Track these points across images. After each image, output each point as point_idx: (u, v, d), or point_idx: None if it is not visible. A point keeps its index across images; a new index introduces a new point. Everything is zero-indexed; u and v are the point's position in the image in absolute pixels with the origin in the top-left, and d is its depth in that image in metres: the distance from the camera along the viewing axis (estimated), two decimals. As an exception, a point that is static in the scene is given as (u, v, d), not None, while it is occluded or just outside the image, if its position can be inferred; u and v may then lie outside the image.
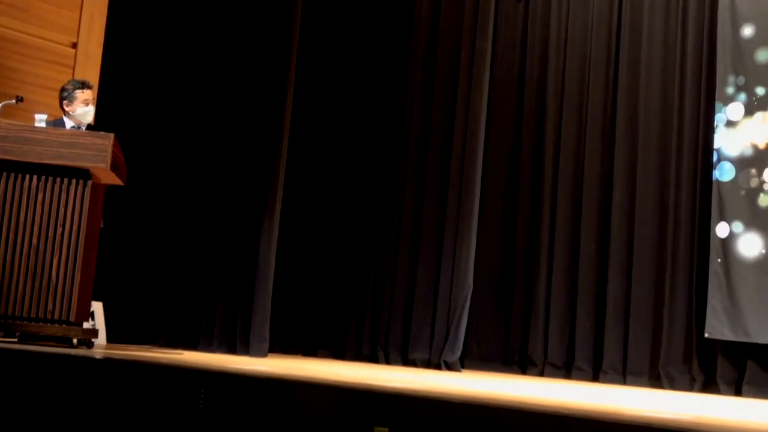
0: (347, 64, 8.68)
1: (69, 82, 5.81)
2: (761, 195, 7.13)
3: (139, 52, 7.91)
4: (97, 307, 6.94)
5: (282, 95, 7.27)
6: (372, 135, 8.47)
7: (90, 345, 5.41)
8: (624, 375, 7.55)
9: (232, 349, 7.03)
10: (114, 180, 5.42)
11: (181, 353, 6.32)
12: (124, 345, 6.80)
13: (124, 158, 5.50)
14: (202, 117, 7.59)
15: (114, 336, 7.11)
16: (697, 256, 7.44)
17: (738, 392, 7.02)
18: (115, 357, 4.90)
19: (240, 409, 4.19)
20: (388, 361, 7.95)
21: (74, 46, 7.23)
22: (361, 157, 8.41)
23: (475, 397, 3.99)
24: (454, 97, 8.05)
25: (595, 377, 7.67)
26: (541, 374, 7.85)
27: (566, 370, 7.84)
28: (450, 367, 7.41)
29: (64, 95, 5.66)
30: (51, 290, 5.05)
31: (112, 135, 5.18)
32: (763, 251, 7.06)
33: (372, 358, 7.94)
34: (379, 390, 3.81)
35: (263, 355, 6.96)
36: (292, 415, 4.04)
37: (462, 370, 7.52)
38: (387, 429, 3.03)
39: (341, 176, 8.49)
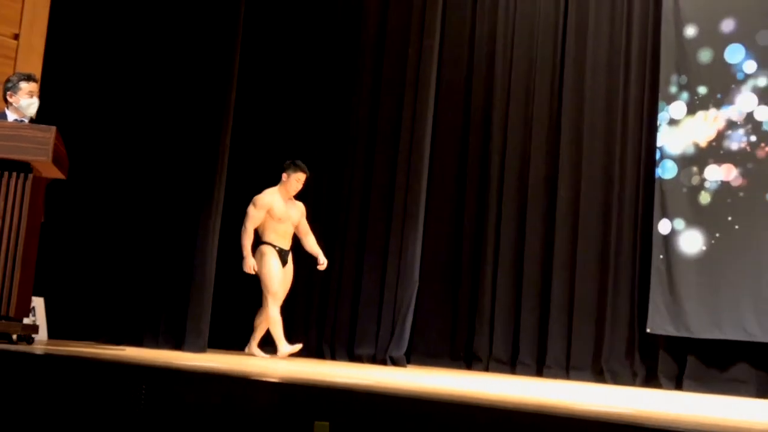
0: (293, 60, 8.65)
1: (14, 74, 5.72)
2: (702, 192, 7.23)
3: (83, 43, 7.78)
4: (38, 302, 6.83)
5: (226, 93, 7.22)
6: (318, 133, 8.46)
7: (30, 341, 5.32)
8: (567, 370, 7.62)
9: (176, 346, 6.96)
10: (56, 174, 5.34)
11: (123, 349, 6.24)
12: (66, 341, 6.70)
13: (66, 151, 5.41)
14: (145, 111, 7.49)
15: (55, 332, 7.00)
16: (639, 252, 7.53)
17: (678, 386, 7.12)
18: (56, 353, 4.82)
19: (182, 405, 4.16)
20: (334, 357, 7.94)
21: (16, 37, 7.10)
22: (307, 157, 8.38)
23: (414, 391, 4.00)
24: (401, 95, 8.06)
25: (539, 372, 7.73)
26: (486, 369, 7.90)
27: (511, 365, 7.89)
28: (395, 362, 7.43)
29: (8, 86, 5.56)
30: (-10, 285, 4.95)
31: (53, 128, 5.10)
32: (704, 248, 7.17)
33: (318, 354, 7.93)
34: (319, 385, 3.80)
35: (204, 350, 6.92)
36: (233, 410, 4.02)
37: (408, 365, 7.54)
38: (327, 424, 3.01)
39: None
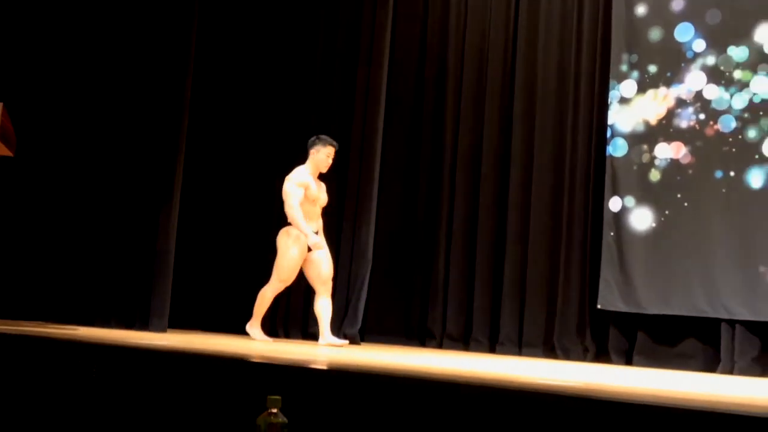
0: (249, 45, 8.59)
1: None
2: (652, 170, 7.31)
3: (34, 16, 7.63)
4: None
5: (182, 79, 7.17)
6: (271, 113, 8.40)
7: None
8: (520, 347, 7.68)
9: (129, 326, 6.91)
10: (2, 151, 5.25)
11: (75, 329, 6.19)
12: (16, 321, 6.61)
13: (14, 128, 5.32)
14: (99, 87, 7.39)
15: (5, 312, 6.91)
16: (590, 230, 7.59)
17: (629, 362, 7.22)
18: (5, 331, 4.77)
19: (135, 383, 4.14)
20: (288, 336, 7.94)
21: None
22: (264, 139, 8.35)
23: (365, 367, 4.01)
24: (353, 74, 8.03)
25: (491, 349, 7.79)
26: (440, 346, 7.95)
27: (464, 342, 7.95)
28: (349, 340, 7.44)
29: None
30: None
31: (0, 103, 5.01)
32: (654, 225, 7.25)
33: (272, 334, 7.90)
34: (272, 361, 3.80)
35: (163, 330, 6.88)
36: (187, 387, 4.01)
37: (362, 343, 7.55)
38: (280, 397, 3.01)
39: (242, 156, 8.41)
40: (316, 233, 6.98)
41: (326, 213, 7.67)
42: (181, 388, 4.00)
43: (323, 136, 7.05)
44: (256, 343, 6.51)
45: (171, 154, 7.16)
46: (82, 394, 4.18)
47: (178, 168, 7.19)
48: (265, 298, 7.00)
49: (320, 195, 7.04)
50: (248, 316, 7.25)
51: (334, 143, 7.03)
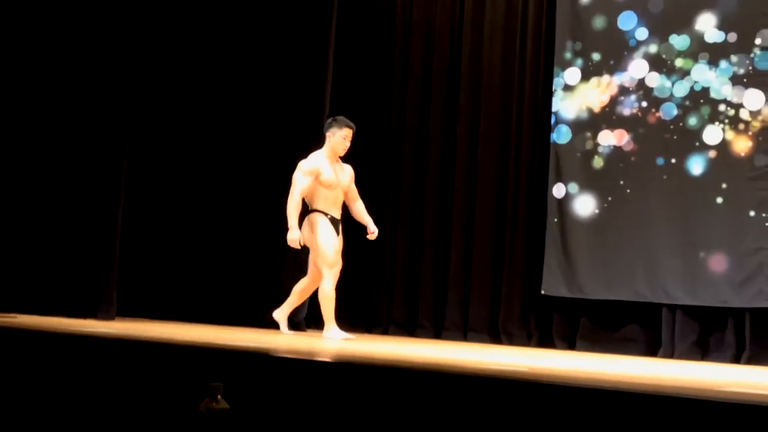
0: (192, 28, 8.45)
1: None
2: (595, 157, 7.37)
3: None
4: None
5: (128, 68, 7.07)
6: (210, 100, 8.26)
7: None
8: (465, 332, 7.71)
9: (86, 315, 6.82)
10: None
11: (15, 317, 6.08)
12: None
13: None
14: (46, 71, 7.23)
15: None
16: (535, 216, 7.63)
17: (572, 347, 7.28)
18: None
19: (79, 370, 4.09)
20: (235, 323, 7.85)
21: None
22: (205, 127, 8.22)
23: (307, 353, 3.99)
24: (299, 60, 7.92)
25: (437, 335, 7.81)
26: (386, 332, 7.94)
27: (410, 328, 7.95)
28: (295, 327, 7.38)
29: None
30: None
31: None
32: (597, 211, 7.31)
33: (217, 321, 7.81)
34: (214, 347, 3.76)
35: (111, 318, 6.79)
36: (130, 374, 3.96)
37: (307, 329, 7.51)
38: (221, 384, 2.98)
39: (191, 143, 8.27)
40: (339, 219, 6.62)
41: (273, 198, 7.62)
42: (124, 376, 3.96)
43: (339, 118, 6.68)
44: (200, 330, 6.42)
45: (118, 144, 7.05)
46: (25, 382, 4.11)
47: (124, 157, 7.07)
48: (327, 295, 6.51)
49: (340, 179, 6.64)
50: (198, 302, 7.16)
51: (351, 125, 6.65)
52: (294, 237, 6.42)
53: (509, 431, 3.18)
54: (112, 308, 6.91)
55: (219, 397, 3.02)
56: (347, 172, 6.75)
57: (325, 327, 6.56)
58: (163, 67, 8.02)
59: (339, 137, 6.60)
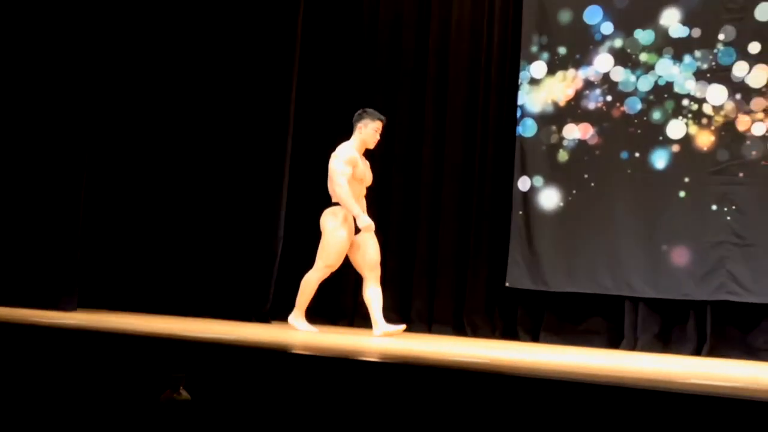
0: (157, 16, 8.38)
1: None
2: (560, 151, 7.40)
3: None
4: None
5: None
6: (179, 90, 8.21)
7: None
8: (429, 324, 7.72)
9: (48, 306, 6.74)
10: None
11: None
12: None
13: None
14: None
15: None
16: (500, 209, 7.65)
17: (535, 339, 7.32)
18: None
19: (39, 362, 4.04)
20: (197, 315, 7.80)
21: None
22: (171, 109, 8.16)
23: (271, 344, 3.97)
24: (265, 52, 7.88)
25: (406, 319, 7.81)
26: (351, 324, 7.93)
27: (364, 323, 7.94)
28: (259, 318, 7.36)
29: None
30: None
31: None
32: (561, 204, 7.34)
33: (182, 312, 7.76)
34: (175, 338, 3.74)
35: (72, 309, 6.72)
36: (91, 365, 3.93)
37: (271, 322, 7.48)
38: (183, 375, 2.96)
39: (155, 132, 8.20)
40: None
41: (235, 190, 7.58)
42: (85, 367, 3.92)
43: (370, 110, 6.53)
44: (162, 322, 6.38)
45: (81, 134, 6.96)
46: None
47: (86, 148, 7.00)
48: (309, 285, 6.42)
49: (366, 173, 6.50)
50: (159, 294, 7.11)
51: (382, 117, 6.51)
52: (367, 222, 6.26)
53: (471, 423, 3.18)
54: (73, 299, 6.83)
55: (181, 388, 3.00)
56: (368, 166, 6.60)
57: (294, 312, 6.50)
58: (131, 51, 7.94)
59: (371, 129, 6.44)
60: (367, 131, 6.44)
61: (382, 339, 6.19)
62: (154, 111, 7.90)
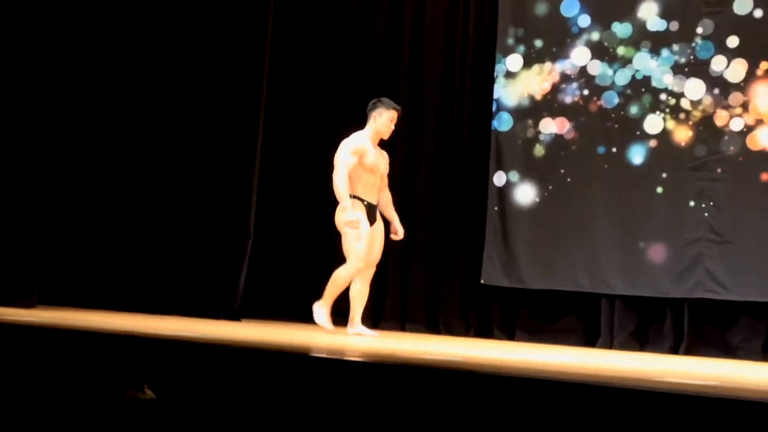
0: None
1: None
2: (536, 145, 7.42)
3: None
4: None
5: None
6: (142, 87, 8.15)
7: None
8: (403, 322, 7.72)
9: (5, 303, 6.69)
10: None
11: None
12: None
13: None
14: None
15: None
16: (475, 204, 7.66)
17: (511, 337, 7.34)
18: None
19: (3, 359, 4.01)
20: (165, 313, 7.76)
21: None
22: (133, 102, 8.09)
23: (240, 342, 3.96)
24: (236, 44, 7.83)
25: (375, 325, 7.79)
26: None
27: (347, 318, 7.91)
28: (228, 316, 7.33)
29: None
30: None
31: None
32: (537, 200, 7.36)
33: (150, 310, 7.72)
34: (140, 336, 3.71)
35: (31, 306, 6.66)
36: (56, 364, 3.90)
37: (241, 320, 7.45)
38: (148, 374, 2.94)
39: (119, 125, 8.15)
40: (376, 205, 6.34)
41: (203, 186, 7.54)
42: (49, 365, 3.89)
43: (385, 99, 6.42)
44: (128, 320, 6.33)
45: (40, 131, 6.93)
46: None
47: (46, 144, 6.96)
48: (341, 280, 6.24)
49: (380, 163, 6.37)
50: (127, 292, 7.05)
51: (398, 107, 6.41)
52: (352, 218, 6.10)
53: (444, 422, 3.18)
54: (33, 296, 6.78)
55: (145, 387, 2.99)
56: (385, 157, 6.48)
57: (320, 302, 6.36)
58: (95, 44, 7.87)
59: (386, 119, 6.32)
60: (382, 120, 6.32)
61: (354, 337, 6.18)
62: (120, 103, 7.83)
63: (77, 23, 7.56)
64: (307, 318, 7.96)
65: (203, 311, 7.38)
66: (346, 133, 8.08)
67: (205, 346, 3.65)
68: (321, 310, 6.37)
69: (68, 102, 7.56)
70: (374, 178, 6.34)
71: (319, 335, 5.94)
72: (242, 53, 7.67)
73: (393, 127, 6.42)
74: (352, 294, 6.34)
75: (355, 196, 6.23)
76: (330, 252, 8.05)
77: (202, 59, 7.70)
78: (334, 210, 8.13)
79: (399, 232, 6.49)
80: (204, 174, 7.64)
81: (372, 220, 6.27)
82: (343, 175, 6.16)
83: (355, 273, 6.22)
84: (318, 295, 7.94)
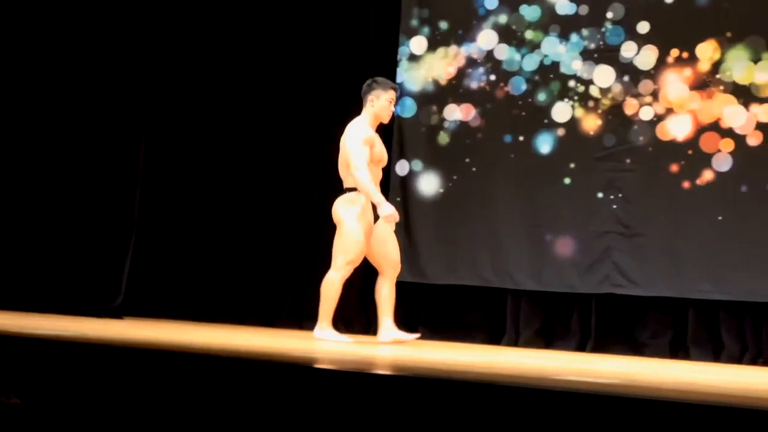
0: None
1: None
2: (441, 133, 7.47)
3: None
4: None
5: None
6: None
7: None
8: (300, 320, 7.71)
9: None
10: None
11: None
12: None
13: None
14: None
15: None
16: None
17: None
18: None
19: None
20: (41, 311, 7.61)
21: None
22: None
23: (120, 342, 3.92)
24: (118, 28, 7.72)
25: (269, 323, 7.80)
26: (214, 321, 7.86)
27: (240, 318, 7.92)
28: (109, 314, 7.23)
29: None
30: None
31: None
32: (441, 190, 7.42)
33: (23, 308, 7.55)
34: (6, 335, 3.65)
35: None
36: None
37: (123, 317, 7.35)
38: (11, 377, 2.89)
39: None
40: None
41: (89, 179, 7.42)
42: None
43: (381, 79, 6.13)
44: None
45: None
46: None
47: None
48: (332, 288, 5.91)
49: (384, 153, 6.11)
50: (34, 290, 6.90)
51: (395, 85, 6.19)
52: (390, 211, 5.82)
53: (339, 423, 3.20)
54: None
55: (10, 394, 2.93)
56: (382, 144, 6.19)
57: (319, 324, 6.02)
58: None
59: (384, 101, 6.01)
60: (381, 103, 6.02)
61: (249, 336, 6.15)
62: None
63: None
64: (197, 316, 7.93)
65: (83, 309, 7.25)
66: (237, 117, 8.10)
67: (79, 345, 3.59)
68: (325, 332, 5.99)
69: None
70: (378, 170, 6.10)
71: (210, 333, 5.90)
72: (125, 39, 7.57)
73: (393, 109, 6.16)
74: (379, 299, 6.08)
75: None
76: (228, 243, 8.03)
77: (84, 43, 7.57)
78: (229, 200, 8.11)
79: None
80: (83, 158, 7.50)
81: (373, 218, 6.01)
82: (364, 168, 5.83)
83: (345, 277, 5.97)
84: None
